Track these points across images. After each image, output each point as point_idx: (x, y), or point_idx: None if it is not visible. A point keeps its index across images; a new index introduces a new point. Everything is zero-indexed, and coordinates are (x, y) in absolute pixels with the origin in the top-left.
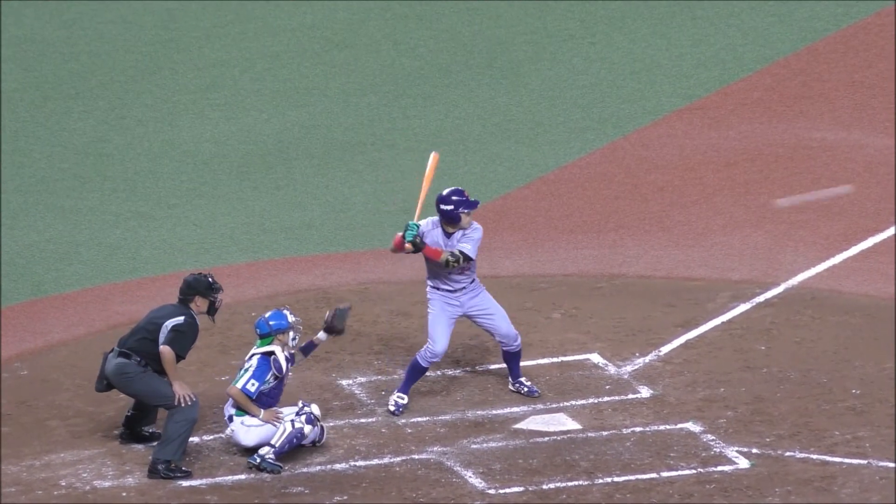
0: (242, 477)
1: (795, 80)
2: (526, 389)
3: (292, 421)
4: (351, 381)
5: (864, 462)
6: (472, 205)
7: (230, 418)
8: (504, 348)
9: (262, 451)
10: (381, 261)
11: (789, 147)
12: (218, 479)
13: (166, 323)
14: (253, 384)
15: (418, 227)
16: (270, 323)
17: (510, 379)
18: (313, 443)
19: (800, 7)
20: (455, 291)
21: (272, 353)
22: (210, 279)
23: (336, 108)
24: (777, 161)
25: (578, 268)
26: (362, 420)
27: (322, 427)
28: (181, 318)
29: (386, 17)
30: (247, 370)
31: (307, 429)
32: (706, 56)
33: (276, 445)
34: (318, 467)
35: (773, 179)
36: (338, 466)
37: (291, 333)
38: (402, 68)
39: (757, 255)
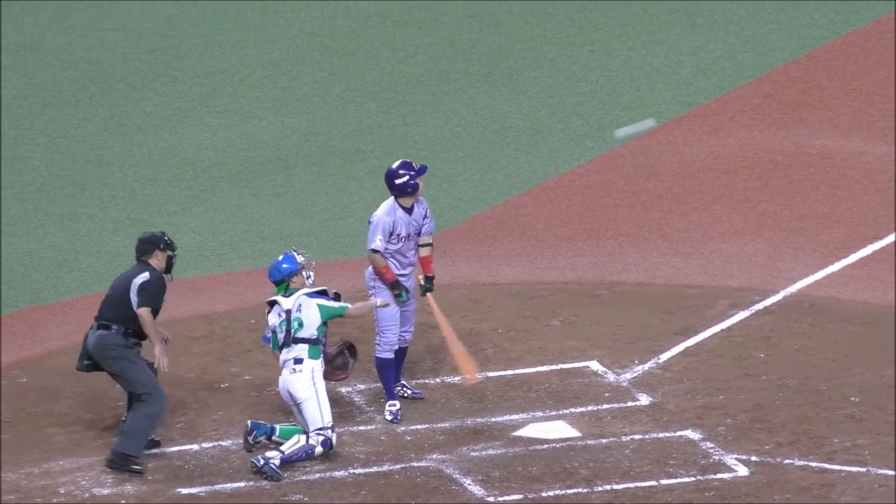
0: (241, 484)
1: (795, 87)
2: (409, 392)
3: (308, 436)
4: (350, 389)
5: (864, 470)
6: (422, 170)
7: (299, 360)
8: (402, 345)
9: (270, 454)
10: None
11: (788, 154)
12: (217, 487)
13: (133, 282)
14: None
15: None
16: (283, 266)
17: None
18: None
19: (799, 14)
20: (405, 269)
21: (324, 290)
22: (165, 235)
23: (335, 115)
24: (776, 168)
25: (577, 275)
26: (361, 427)
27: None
28: (147, 274)
29: (385, 25)
30: (321, 307)
31: (318, 450)
32: (705, 63)
33: (286, 453)
34: (318, 475)
35: (772, 187)
36: (337, 474)
37: (305, 273)
38: (401, 75)
39: (756, 263)
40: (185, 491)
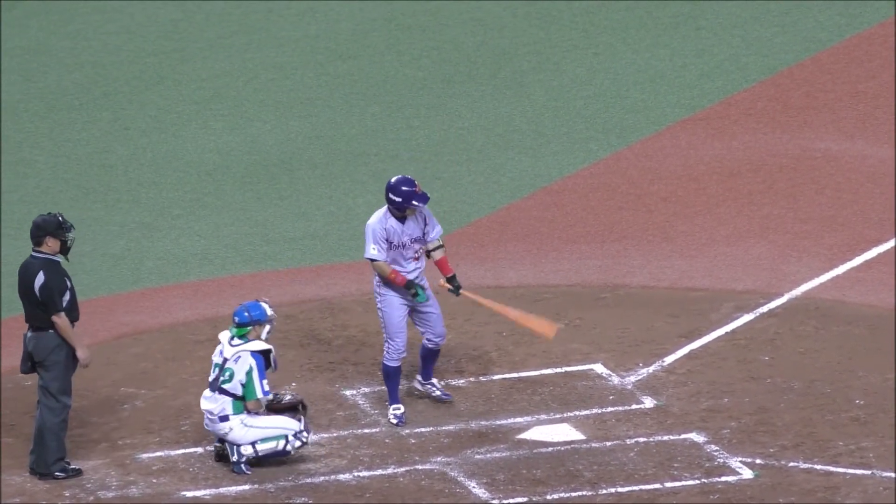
0: (246, 487)
1: (799, 90)
2: (438, 392)
3: (287, 440)
4: (354, 392)
5: (868, 472)
6: (423, 198)
7: (224, 418)
8: (430, 346)
9: (245, 451)
10: None
11: (793, 157)
12: (221, 490)
13: (34, 288)
14: (266, 385)
15: (423, 289)
16: (251, 313)
17: (420, 378)
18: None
19: (803, 17)
20: (409, 276)
21: (269, 351)
22: (60, 218)
23: (339, 119)
24: (781, 171)
25: (582, 278)
26: (366, 430)
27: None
28: (41, 276)
29: (389, 28)
30: (249, 373)
31: (293, 452)
32: (710, 66)
33: (260, 454)
34: (322, 478)
35: (776, 190)
36: (342, 477)
37: (268, 327)
38: (405, 79)
39: (760, 266)
40: (189, 494)
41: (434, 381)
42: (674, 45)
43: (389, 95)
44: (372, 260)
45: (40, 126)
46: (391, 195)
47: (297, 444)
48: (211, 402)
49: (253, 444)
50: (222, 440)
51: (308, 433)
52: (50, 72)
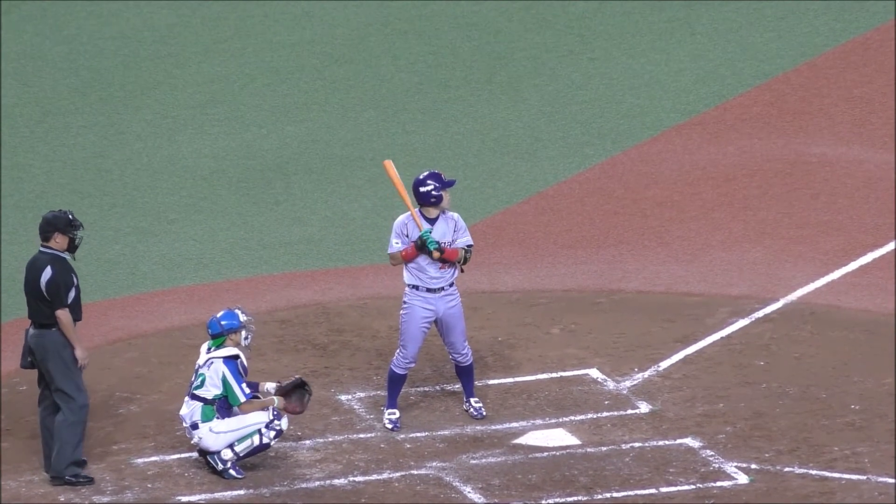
0: (241, 492)
1: (795, 95)
2: (473, 412)
3: (261, 433)
4: (350, 397)
5: (864, 478)
6: (449, 183)
7: (194, 425)
8: (455, 363)
9: (225, 455)
10: (381, 276)
11: (788, 162)
12: (216, 495)
13: (41, 283)
14: (245, 388)
15: (431, 231)
16: (222, 323)
17: (464, 398)
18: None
19: (799, 22)
20: (435, 292)
21: (237, 356)
22: (70, 216)
23: (335, 123)
24: (776, 176)
25: (577, 283)
26: (361, 435)
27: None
28: (49, 270)
29: (385, 33)
30: (224, 381)
31: (273, 443)
32: (705, 71)
33: (241, 455)
34: (318, 482)
35: (772, 195)
36: (337, 482)
37: (244, 333)
38: (401, 83)
39: (756, 271)
40: (184, 499)
41: (472, 400)
42: (669, 50)
43: (385, 100)
44: (391, 255)
45: (35, 130)
46: (420, 188)
47: (272, 433)
48: (185, 408)
49: (230, 446)
50: (203, 454)
51: (280, 420)
52: (45, 76)
